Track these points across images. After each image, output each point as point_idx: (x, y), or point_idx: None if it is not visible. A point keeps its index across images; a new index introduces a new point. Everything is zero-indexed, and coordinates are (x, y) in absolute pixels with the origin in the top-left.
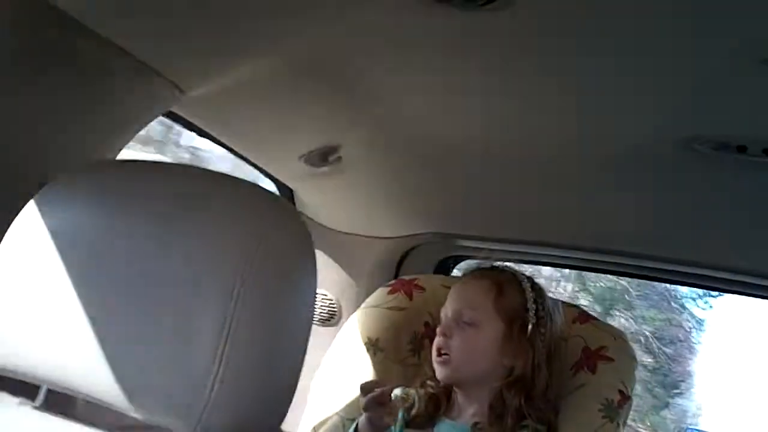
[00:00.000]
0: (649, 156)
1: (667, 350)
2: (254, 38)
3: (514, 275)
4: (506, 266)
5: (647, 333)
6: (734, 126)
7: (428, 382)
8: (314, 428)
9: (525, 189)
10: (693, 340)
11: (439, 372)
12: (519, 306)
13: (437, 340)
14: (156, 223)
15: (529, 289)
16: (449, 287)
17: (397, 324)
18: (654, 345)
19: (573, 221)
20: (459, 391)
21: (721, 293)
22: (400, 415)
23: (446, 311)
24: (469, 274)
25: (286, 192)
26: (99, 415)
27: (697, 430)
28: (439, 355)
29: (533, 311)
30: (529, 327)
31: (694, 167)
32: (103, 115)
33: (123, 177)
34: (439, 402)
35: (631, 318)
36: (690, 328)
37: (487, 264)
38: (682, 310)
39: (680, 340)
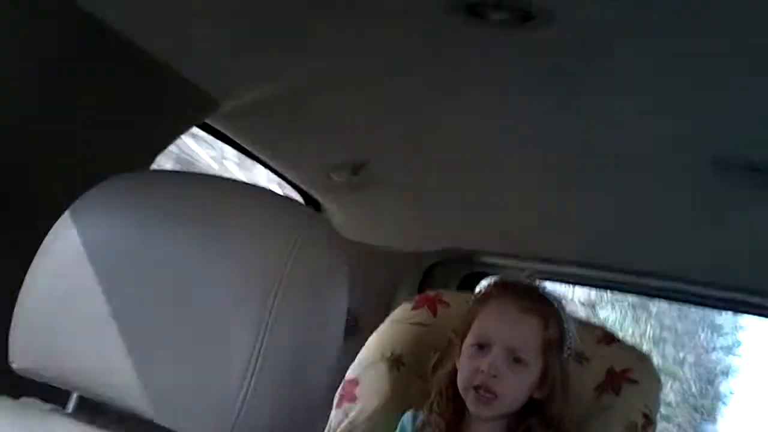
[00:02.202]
0: (675, 176)
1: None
2: (291, 53)
3: (556, 306)
4: (547, 291)
5: None
6: (763, 146)
7: (435, 407)
8: None
9: (552, 207)
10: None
11: (479, 410)
12: (557, 340)
13: (482, 377)
14: (190, 235)
15: (566, 321)
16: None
17: (421, 340)
18: None
19: (598, 241)
20: (478, 416)
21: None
22: None
23: (492, 342)
24: (511, 297)
25: (313, 204)
26: (130, 424)
27: None
28: (484, 391)
29: (567, 344)
30: (563, 360)
31: (721, 188)
32: (140, 125)
33: (157, 187)
34: (453, 424)
35: None
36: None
37: (523, 281)
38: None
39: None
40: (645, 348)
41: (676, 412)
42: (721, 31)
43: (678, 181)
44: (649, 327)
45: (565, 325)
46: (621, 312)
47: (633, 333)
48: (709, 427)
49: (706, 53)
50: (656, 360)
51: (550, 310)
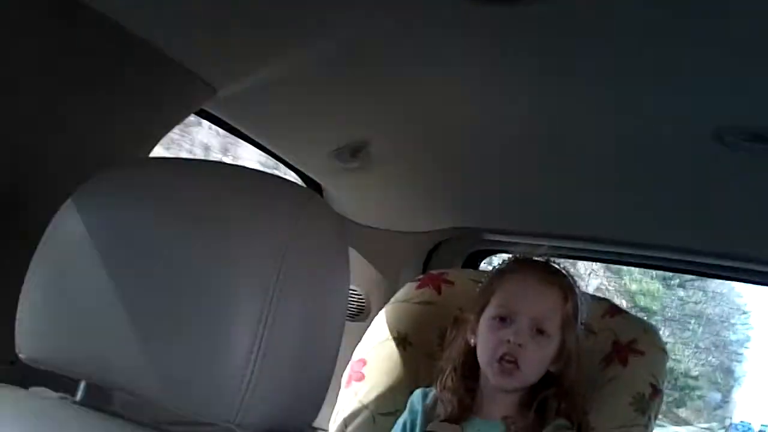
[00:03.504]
0: (681, 148)
1: None
2: (286, 36)
3: (572, 282)
4: (561, 267)
5: None
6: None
7: (449, 382)
8: (345, 423)
9: (555, 183)
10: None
11: (502, 381)
12: (573, 315)
13: (507, 347)
14: (192, 220)
15: (579, 296)
16: (479, 281)
17: (425, 318)
18: None
19: (604, 215)
20: (494, 389)
21: (751, 284)
22: (419, 418)
23: (516, 313)
24: (532, 271)
25: (315, 187)
26: (137, 410)
27: (744, 423)
28: (508, 362)
29: (580, 319)
30: (576, 334)
31: (727, 159)
32: (137, 113)
33: (159, 174)
34: (464, 401)
35: None
36: None
37: (540, 258)
38: None
39: None
40: None
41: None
42: (717, 3)
43: (679, 153)
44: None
45: (578, 300)
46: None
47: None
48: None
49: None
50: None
51: (568, 284)
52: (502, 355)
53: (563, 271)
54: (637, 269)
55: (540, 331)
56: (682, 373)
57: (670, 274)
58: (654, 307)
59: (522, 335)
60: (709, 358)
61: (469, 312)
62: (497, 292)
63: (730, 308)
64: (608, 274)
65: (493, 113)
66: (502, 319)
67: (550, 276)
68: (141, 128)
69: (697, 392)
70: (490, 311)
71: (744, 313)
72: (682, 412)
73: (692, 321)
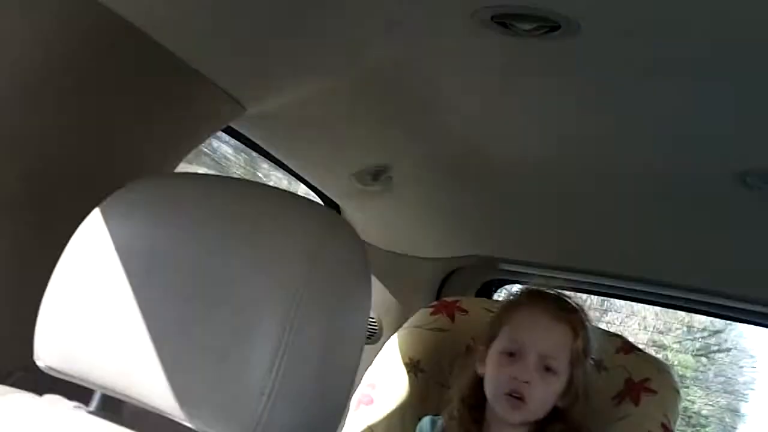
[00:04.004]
0: (703, 189)
1: None
2: (317, 59)
3: (582, 315)
4: (575, 301)
5: None
6: None
7: (456, 412)
8: None
9: (574, 217)
10: None
11: (508, 415)
12: (583, 351)
13: (514, 384)
14: (214, 236)
15: (589, 331)
16: (492, 310)
17: (438, 346)
18: None
19: (621, 251)
20: (501, 422)
21: None
22: None
23: (524, 349)
24: (542, 305)
25: (334, 209)
26: (152, 423)
27: None
28: (515, 398)
29: (590, 354)
30: (586, 369)
31: (748, 201)
32: (166, 127)
33: (183, 189)
34: (473, 431)
35: None
36: None
37: (552, 290)
38: None
39: None
40: None
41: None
42: (746, 41)
43: (703, 193)
44: None
45: (589, 335)
46: None
47: None
48: None
49: (735, 64)
50: None
51: (578, 319)
52: (509, 391)
53: (575, 305)
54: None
55: (547, 369)
56: (695, 412)
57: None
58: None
59: (529, 372)
60: (718, 400)
61: (480, 342)
62: (507, 325)
63: (739, 351)
64: None
65: (516, 143)
66: (510, 354)
67: (560, 312)
68: (168, 142)
69: (707, 429)
70: (498, 345)
71: (751, 357)
72: None
73: (706, 362)
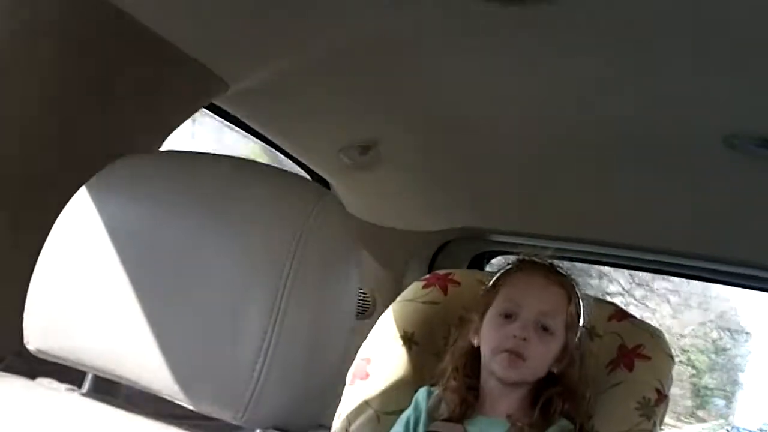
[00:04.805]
0: (690, 152)
1: None
2: (298, 33)
3: (574, 284)
4: (564, 269)
5: None
6: None
7: (452, 382)
8: (348, 420)
9: (561, 185)
10: None
11: (508, 373)
12: (576, 317)
13: (512, 342)
14: (202, 214)
15: (582, 298)
16: (485, 282)
17: (432, 318)
18: None
19: (609, 217)
20: (497, 387)
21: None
22: (423, 416)
23: (521, 309)
24: (537, 270)
25: (322, 185)
26: (145, 404)
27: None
28: (515, 356)
29: (584, 321)
30: (579, 336)
31: (736, 164)
32: (149, 106)
33: (168, 167)
34: (467, 400)
35: None
36: None
37: (544, 259)
38: None
39: None
40: None
41: None
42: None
43: (689, 158)
44: None
45: (582, 303)
46: None
47: None
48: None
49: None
50: None
51: (571, 285)
52: (507, 348)
53: (566, 274)
54: None
55: (544, 328)
56: (703, 386)
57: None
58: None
59: (527, 330)
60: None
61: (474, 313)
62: (502, 291)
63: (736, 329)
64: None
65: (502, 114)
66: (507, 316)
67: (554, 276)
68: (152, 121)
69: (712, 398)
70: (494, 309)
71: (747, 333)
72: (701, 413)
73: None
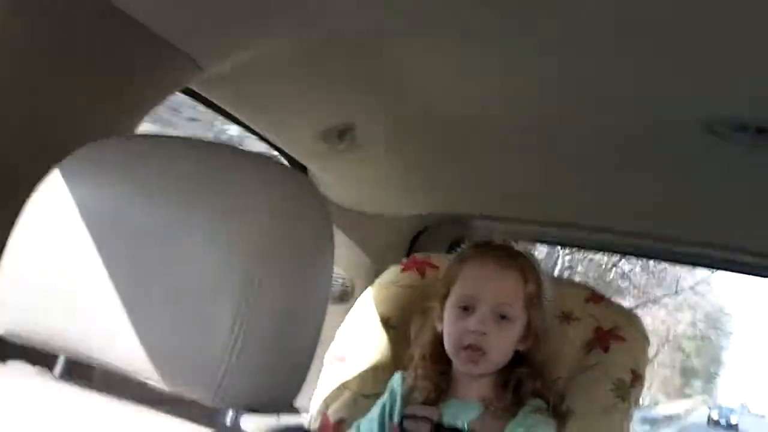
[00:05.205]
0: (667, 137)
1: None
2: (273, 16)
3: (531, 260)
4: (519, 247)
5: None
6: (754, 107)
7: (420, 370)
8: (326, 403)
9: (540, 169)
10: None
11: (470, 368)
12: (536, 293)
13: (471, 337)
14: (175, 197)
15: (541, 272)
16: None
17: (409, 302)
18: None
19: (589, 201)
20: (467, 374)
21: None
22: (398, 400)
23: (477, 301)
24: (490, 256)
25: (300, 170)
26: (118, 386)
27: (728, 408)
28: (474, 350)
29: (544, 297)
30: (543, 310)
31: (713, 148)
32: (122, 89)
33: (142, 150)
34: (440, 385)
35: None
36: None
37: (496, 240)
38: None
39: None
40: None
41: None
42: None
43: (669, 143)
44: None
45: (541, 278)
46: None
47: None
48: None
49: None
50: None
51: (527, 263)
52: (467, 344)
53: (523, 252)
54: None
55: (503, 317)
56: (690, 367)
57: None
58: None
59: (485, 323)
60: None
61: (434, 300)
62: (458, 281)
63: (721, 312)
64: None
65: (480, 99)
66: (465, 308)
67: (507, 259)
68: (125, 105)
69: (697, 376)
70: (452, 300)
71: (726, 314)
72: (687, 390)
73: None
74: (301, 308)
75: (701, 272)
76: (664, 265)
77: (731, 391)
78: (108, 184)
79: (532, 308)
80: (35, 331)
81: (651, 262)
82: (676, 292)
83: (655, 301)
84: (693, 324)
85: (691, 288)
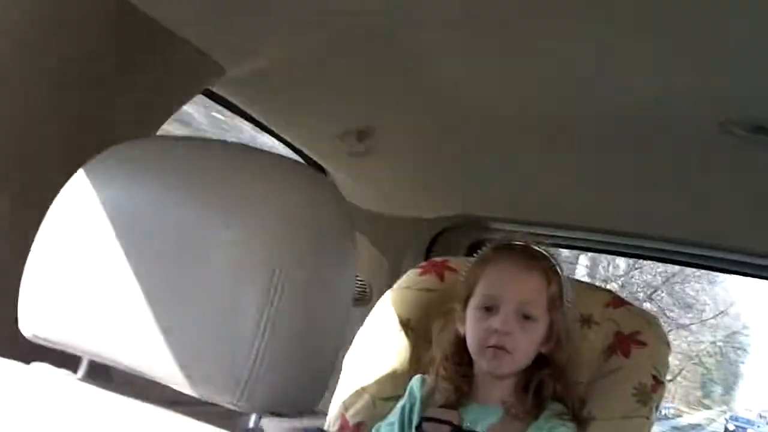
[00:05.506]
0: (685, 138)
1: None
2: (296, 17)
3: (554, 262)
4: (543, 249)
5: None
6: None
7: (443, 371)
8: (345, 406)
9: (558, 172)
10: None
11: (494, 366)
12: (558, 295)
13: (495, 337)
14: (198, 198)
15: (562, 275)
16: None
17: (428, 305)
18: None
19: (608, 205)
20: (489, 376)
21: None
22: (418, 403)
23: (500, 301)
24: (512, 257)
25: (320, 171)
26: (141, 388)
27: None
28: (498, 348)
29: (566, 299)
30: (564, 313)
31: (730, 150)
32: (145, 90)
33: (168, 151)
34: (461, 388)
35: None
36: None
37: (518, 242)
38: None
39: None
40: None
41: None
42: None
43: (685, 144)
44: None
45: (563, 281)
46: None
47: None
48: None
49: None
50: None
51: (549, 266)
52: (491, 344)
53: (545, 254)
54: None
55: (526, 317)
56: (710, 379)
57: None
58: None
59: (508, 323)
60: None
61: (455, 302)
62: (480, 282)
63: (738, 325)
64: None
65: (499, 99)
66: (488, 309)
67: (530, 260)
68: (148, 106)
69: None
70: (475, 301)
71: (745, 327)
72: (707, 401)
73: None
74: (324, 310)
75: (724, 297)
76: (688, 290)
77: (749, 402)
78: (133, 185)
79: (554, 310)
80: (59, 334)
81: (675, 287)
82: (702, 321)
83: (681, 326)
84: (714, 343)
85: (714, 317)
